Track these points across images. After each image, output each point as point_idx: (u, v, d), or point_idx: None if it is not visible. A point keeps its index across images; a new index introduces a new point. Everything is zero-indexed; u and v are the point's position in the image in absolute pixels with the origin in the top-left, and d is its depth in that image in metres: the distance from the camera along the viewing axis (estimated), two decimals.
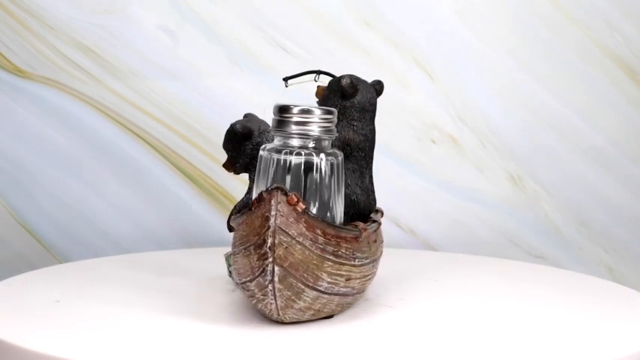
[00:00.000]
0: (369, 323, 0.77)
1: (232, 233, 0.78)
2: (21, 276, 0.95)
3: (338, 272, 0.75)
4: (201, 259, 1.06)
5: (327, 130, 0.78)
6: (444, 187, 1.27)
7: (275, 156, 0.77)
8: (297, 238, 0.72)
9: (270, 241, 0.71)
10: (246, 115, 0.89)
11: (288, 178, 0.77)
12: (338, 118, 0.83)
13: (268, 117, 0.81)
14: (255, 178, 0.80)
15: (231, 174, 0.89)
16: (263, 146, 0.80)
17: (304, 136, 0.77)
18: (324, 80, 0.88)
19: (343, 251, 0.75)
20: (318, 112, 0.77)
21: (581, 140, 1.27)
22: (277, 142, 0.78)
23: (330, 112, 0.78)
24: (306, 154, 0.77)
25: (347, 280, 0.76)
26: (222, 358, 0.69)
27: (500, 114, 1.27)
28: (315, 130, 0.77)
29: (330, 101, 0.86)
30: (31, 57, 1.24)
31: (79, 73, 1.24)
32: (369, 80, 0.88)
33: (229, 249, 0.81)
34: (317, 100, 0.88)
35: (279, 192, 0.72)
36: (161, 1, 1.24)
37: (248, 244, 0.73)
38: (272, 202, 0.72)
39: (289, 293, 0.73)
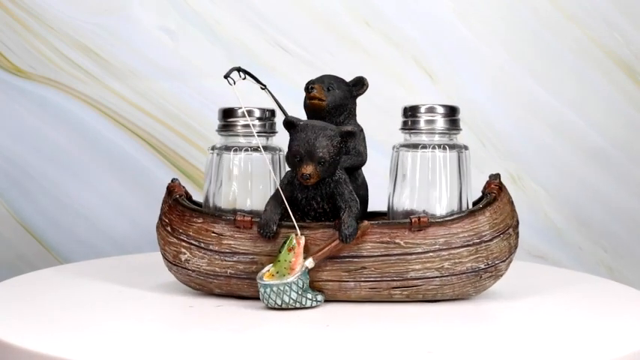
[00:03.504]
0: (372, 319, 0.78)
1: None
2: (21, 277, 0.95)
3: None
4: None
5: (456, 128, 0.86)
6: None
7: (418, 152, 0.84)
8: None
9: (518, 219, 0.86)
10: (291, 119, 0.81)
11: (443, 172, 0.84)
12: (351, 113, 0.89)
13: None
14: (403, 176, 0.84)
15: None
16: (400, 145, 0.85)
17: (433, 131, 0.85)
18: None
19: None
20: (442, 109, 0.85)
21: (581, 140, 1.27)
22: (409, 139, 0.86)
23: (455, 109, 0.86)
24: (449, 149, 0.84)
25: None
26: (228, 357, 0.69)
27: (500, 114, 1.27)
28: (443, 126, 0.85)
29: (337, 97, 0.87)
30: (31, 57, 1.24)
31: (79, 73, 1.24)
32: (372, 79, 0.90)
33: None
34: (317, 100, 0.86)
35: (499, 178, 0.86)
36: (161, 1, 1.24)
37: (507, 228, 0.84)
38: (505, 188, 0.86)
39: None
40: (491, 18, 1.26)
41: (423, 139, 0.85)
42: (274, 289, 0.79)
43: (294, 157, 0.79)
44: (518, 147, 1.27)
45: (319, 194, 0.81)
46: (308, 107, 0.87)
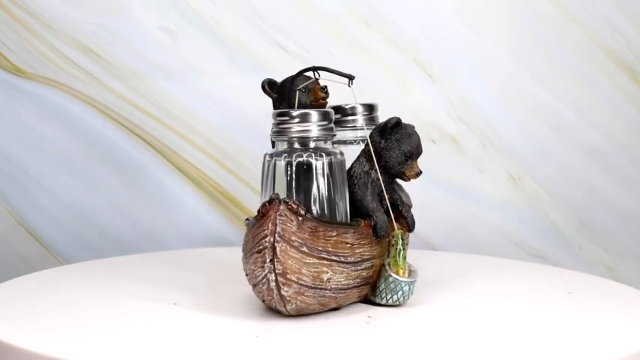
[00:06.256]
0: (368, 322, 0.78)
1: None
2: (21, 277, 0.95)
3: None
4: (201, 260, 1.06)
5: (374, 124, 0.91)
6: (443, 187, 1.27)
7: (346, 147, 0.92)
8: None
9: None
10: (398, 122, 0.83)
11: None
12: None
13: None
14: None
15: None
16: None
17: None
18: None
19: None
20: (361, 108, 0.92)
21: (582, 140, 1.27)
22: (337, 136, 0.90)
23: (373, 107, 0.93)
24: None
25: None
26: (226, 358, 0.69)
27: (500, 114, 1.27)
28: (362, 123, 0.93)
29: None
30: (31, 57, 1.24)
31: (79, 73, 1.24)
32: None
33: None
34: (324, 100, 0.86)
35: None
36: (161, 1, 1.24)
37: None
38: None
39: None
40: (491, 18, 1.26)
41: (348, 135, 0.92)
42: (415, 284, 0.81)
43: (406, 156, 0.81)
44: (518, 147, 1.27)
45: (388, 190, 0.83)
46: (318, 107, 0.86)
